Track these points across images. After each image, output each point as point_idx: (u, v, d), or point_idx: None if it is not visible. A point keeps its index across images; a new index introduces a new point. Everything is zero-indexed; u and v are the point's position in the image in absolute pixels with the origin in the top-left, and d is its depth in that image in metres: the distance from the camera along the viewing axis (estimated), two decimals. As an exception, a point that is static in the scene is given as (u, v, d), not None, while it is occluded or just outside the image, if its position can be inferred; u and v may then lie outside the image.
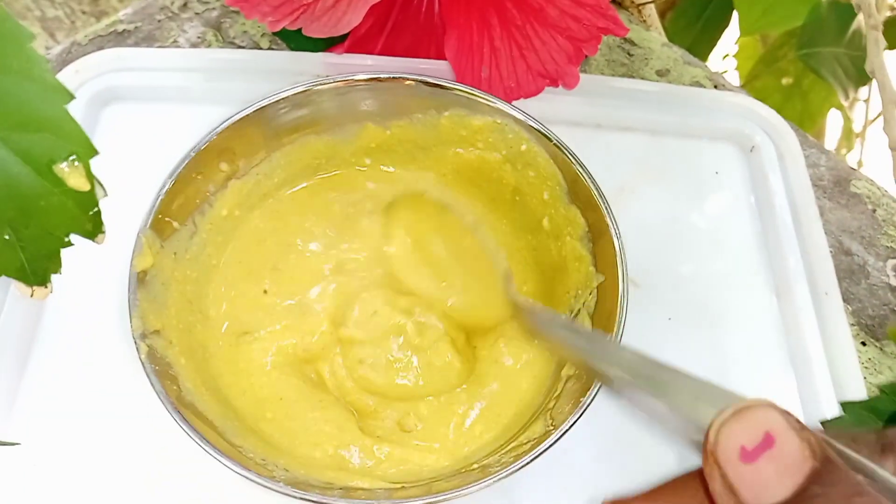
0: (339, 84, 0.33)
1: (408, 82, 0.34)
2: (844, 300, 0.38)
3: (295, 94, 0.33)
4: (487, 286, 0.33)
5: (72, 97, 0.22)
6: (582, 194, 0.33)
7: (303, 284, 0.34)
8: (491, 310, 0.33)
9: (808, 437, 0.17)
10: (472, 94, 0.34)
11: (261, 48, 0.43)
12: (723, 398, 0.19)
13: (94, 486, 0.30)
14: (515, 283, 0.34)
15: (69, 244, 0.24)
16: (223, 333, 0.33)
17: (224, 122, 0.32)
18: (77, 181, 0.22)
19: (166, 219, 0.31)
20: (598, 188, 0.32)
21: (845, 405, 0.33)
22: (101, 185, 0.23)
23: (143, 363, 0.27)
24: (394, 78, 0.34)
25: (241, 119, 0.32)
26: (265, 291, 0.34)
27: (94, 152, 0.22)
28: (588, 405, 0.28)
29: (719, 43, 0.68)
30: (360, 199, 0.36)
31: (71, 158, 0.22)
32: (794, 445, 0.17)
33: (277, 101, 0.33)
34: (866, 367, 0.38)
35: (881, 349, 0.38)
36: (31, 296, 0.26)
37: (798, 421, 0.17)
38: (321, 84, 0.33)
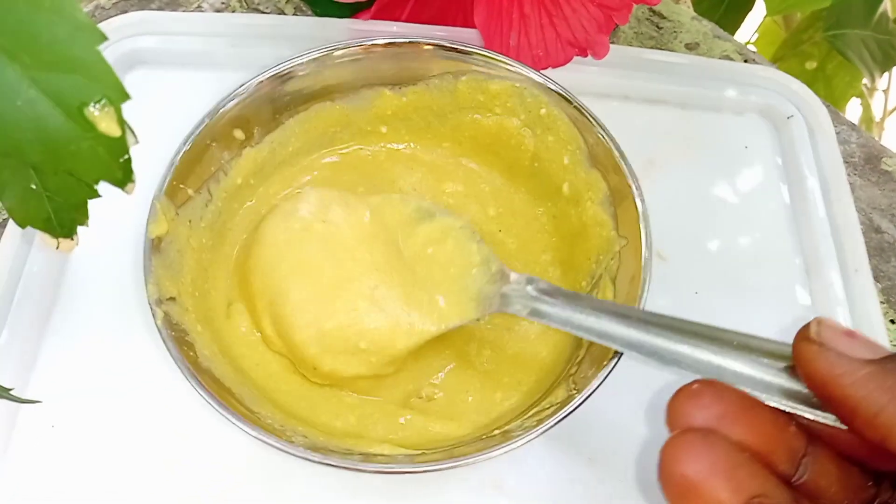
0: (353, 49, 0.33)
1: (425, 46, 0.33)
2: (874, 278, 0.38)
3: (309, 60, 0.33)
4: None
5: (105, 38, 0.21)
6: (603, 157, 0.32)
7: None
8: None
9: None
10: (490, 58, 0.33)
11: (285, 14, 0.43)
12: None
13: (112, 448, 0.30)
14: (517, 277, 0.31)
15: (97, 194, 0.24)
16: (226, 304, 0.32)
17: (237, 88, 0.32)
18: (108, 126, 0.22)
19: (181, 186, 0.31)
20: (620, 150, 0.31)
21: None
22: (133, 131, 0.22)
23: (158, 329, 0.27)
24: (410, 42, 0.33)
25: (254, 86, 0.32)
26: None
27: (127, 97, 0.22)
28: (612, 369, 0.27)
29: (742, 26, 0.67)
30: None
31: (102, 102, 0.21)
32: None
33: (291, 67, 0.33)
34: (895, 346, 0.37)
35: (911, 327, 0.38)
36: (57, 248, 0.26)
37: None
38: (336, 50, 0.33)
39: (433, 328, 0.29)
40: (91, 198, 0.24)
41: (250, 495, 0.29)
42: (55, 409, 0.30)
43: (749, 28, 0.71)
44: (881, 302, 0.38)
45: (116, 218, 0.30)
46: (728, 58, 0.45)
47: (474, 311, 0.30)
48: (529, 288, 0.29)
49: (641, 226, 0.30)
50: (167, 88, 0.39)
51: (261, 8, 0.43)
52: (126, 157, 0.23)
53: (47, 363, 0.31)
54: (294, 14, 0.43)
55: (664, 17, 0.46)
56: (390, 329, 0.29)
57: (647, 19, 0.45)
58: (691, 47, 0.45)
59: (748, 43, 0.76)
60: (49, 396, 0.30)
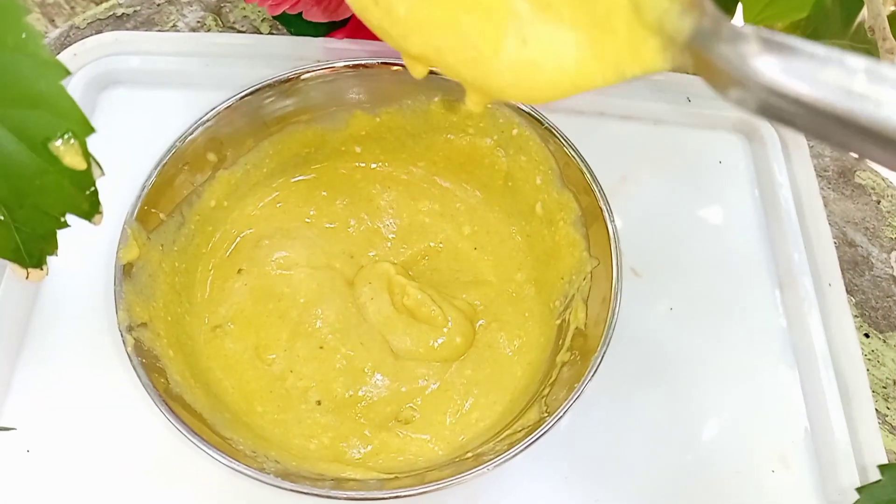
0: (325, 71, 0.33)
1: (395, 68, 0.33)
2: (848, 291, 0.38)
3: (281, 81, 0.33)
4: None
5: (68, 73, 0.21)
6: (574, 178, 0.32)
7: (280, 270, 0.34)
8: None
9: None
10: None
11: (261, 33, 0.43)
12: None
13: (87, 474, 0.30)
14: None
15: (65, 225, 0.24)
16: (206, 325, 0.32)
17: (209, 111, 0.32)
18: (73, 159, 0.22)
19: (152, 210, 0.31)
20: (591, 172, 0.31)
21: (883, 468, 0.31)
22: (98, 164, 0.23)
23: (129, 356, 0.27)
24: (381, 64, 0.33)
25: (226, 108, 0.32)
26: (239, 271, 0.33)
27: (91, 130, 0.22)
28: (581, 391, 0.27)
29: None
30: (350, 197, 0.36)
31: (67, 136, 0.21)
32: None
33: (263, 88, 0.33)
34: (869, 359, 0.37)
35: (884, 341, 0.38)
36: (27, 278, 0.26)
37: None
38: (308, 72, 0.33)
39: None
40: (60, 228, 0.24)
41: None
42: (30, 434, 0.30)
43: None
44: (855, 316, 0.38)
45: (90, 242, 0.30)
46: (702, 73, 0.45)
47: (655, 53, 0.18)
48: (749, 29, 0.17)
49: (612, 248, 0.30)
50: (142, 108, 0.39)
51: (236, 27, 0.43)
52: (92, 189, 0.23)
53: (21, 389, 0.31)
54: (269, 33, 0.43)
55: (639, 33, 0.46)
56: None
57: (623, 35, 0.46)
58: (666, 62, 0.45)
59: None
60: (24, 422, 0.30)
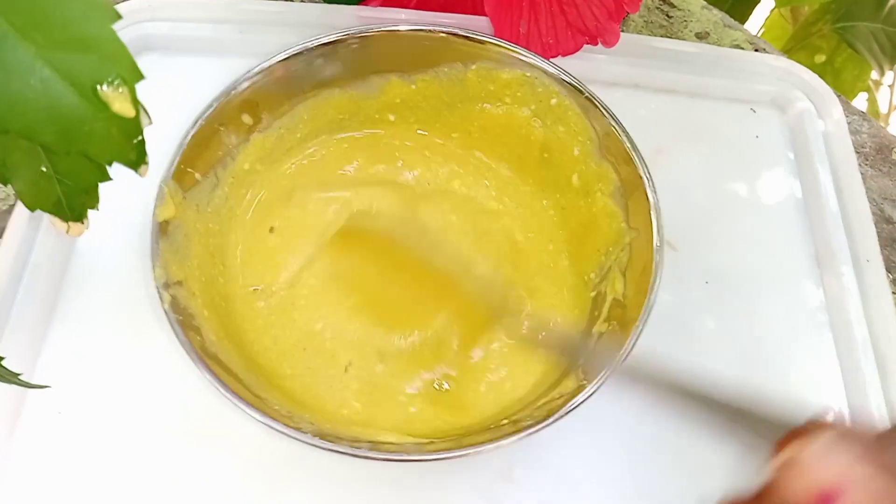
0: (362, 36, 0.33)
1: (435, 34, 0.33)
2: (886, 268, 0.37)
3: (319, 45, 0.32)
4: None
5: (119, 17, 0.21)
6: (614, 148, 0.32)
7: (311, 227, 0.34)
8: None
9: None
10: (501, 47, 0.33)
11: (293, 1, 0.42)
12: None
13: (119, 434, 0.30)
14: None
15: (108, 177, 0.24)
16: (241, 286, 0.32)
17: (247, 72, 0.31)
18: (122, 106, 0.21)
19: (188, 169, 0.30)
20: (631, 141, 0.31)
21: None
22: (147, 112, 0.22)
23: (166, 312, 0.27)
24: (421, 30, 0.33)
25: (263, 70, 0.32)
26: (271, 230, 0.33)
27: (140, 76, 0.21)
28: (622, 360, 0.27)
29: (751, 20, 0.67)
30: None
31: (116, 82, 0.21)
32: None
33: (300, 52, 0.32)
34: (907, 335, 0.37)
35: (923, 318, 0.37)
36: (67, 232, 0.25)
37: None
38: (346, 36, 0.32)
39: None
40: (102, 181, 0.24)
41: (257, 481, 0.29)
42: (62, 395, 0.30)
43: (756, 23, 0.70)
44: (893, 293, 0.37)
45: (123, 203, 0.30)
46: (738, 47, 0.44)
47: None
48: None
49: (653, 217, 0.29)
50: (175, 74, 0.38)
51: (271, -6, 0.43)
52: (140, 138, 0.23)
53: (55, 349, 0.31)
54: (302, 1, 0.42)
55: (674, 6, 0.46)
56: None
57: (658, 8, 0.45)
58: (701, 36, 0.45)
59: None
60: (56, 382, 0.30)
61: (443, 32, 0.33)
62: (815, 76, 0.41)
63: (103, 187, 0.23)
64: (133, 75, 0.21)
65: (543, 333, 0.32)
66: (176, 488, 0.29)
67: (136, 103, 0.22)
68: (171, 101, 0.36)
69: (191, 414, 0.30)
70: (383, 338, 0.32)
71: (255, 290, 0.32)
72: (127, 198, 0.29)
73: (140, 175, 0.23)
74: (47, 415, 0.30)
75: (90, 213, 0.25)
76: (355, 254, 0.34)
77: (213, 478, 0.29)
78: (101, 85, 0.21)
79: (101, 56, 0.21)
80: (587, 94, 0.32)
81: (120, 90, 0.22)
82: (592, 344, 0.30)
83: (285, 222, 0.33)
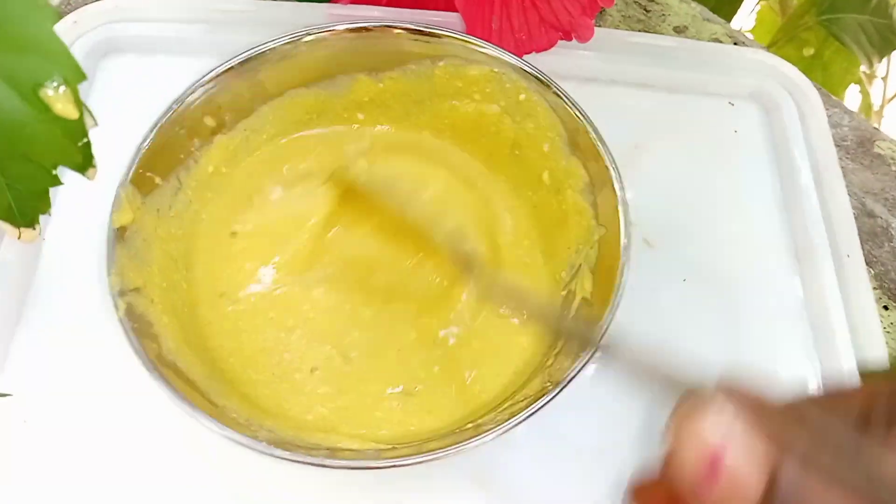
0: (326, 35, 0.32)
1: (397, 31, 0.32)
2: (867, 263, 0.37)
3: (281, 45, 0.32)
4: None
5: (59, 17, 0.20)
6: (583, 144, 0.31)
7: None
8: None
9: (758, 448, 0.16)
10: (468, 42, 0.32)
11: (265, -1, 0.42)
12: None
13: (83, 443, 0.29)
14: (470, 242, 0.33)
15: (58, 181, 0.23)
16: (210, 290, 0.32)
17: (206, 74, 0.31)
18: (64, 107, 0.21)
19: (147, 174, 0.30)
20: (600, 137, 0.30)
21: None
22: (91, 113, 0.22)
23: (120, 320, 0.26)
24: (382, 27, 0.32)
25: (224, 72, 0.31)
26: (234, 234, 0.33)
27: (83, 77, 0.21)
28: (587, 361, 0.26)
29: (740, 12, 0.66)
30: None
31: (58, 83, 0.21)
32: (743, 469, 0.16)
33: (262, 52, 0.32)
34: (888, 332, 0.36)
35: (904, 313, 0.37)
36: (20, 238, 0.25)
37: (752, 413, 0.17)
38: (308, 35, 0.32)
39: None
40: (52, 185, 0.23)
41: (220, 487, 0.29)
42: (27, 404, 0.30)
43: (747, 15, 0.70)
44: (874, 288, 0.37)
45: (88, 207, 0.30)
46: (717, 41, 0.44)
47: None
48: None
49: (620, 213, 0.29)
50: (143, 75, 0.38)
51: (240, -7, 0.42)
52: (85, 140, 0.22)
53: (20, 357, 0.31)
54: (273, -1, 0.42)
55: (652, 0, 0.45)
56: None
57: (635, 2, 0.45)
58: (680, 30, 0.44)
59: (740, 30, 0.75)
60: (21, 391, 0.30)
61: (407, 29, 0.32)
62: (795, 69, 0.40)
63: (71, 193, 0.23)
64: (75, 76, 0.21)
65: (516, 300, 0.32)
66: (141, 496, 0.29)
67: (79, 104, 0.21)
68: (138, 103, 0.36)
69: (156, 422, 0.30)
70: (352, 341, 0.31)
71: (221, 294, 0.31)
72: (92, 203, 0.29)
73: (88, 178, 0.23)
74: (13, 424, 0.30)
75: (51, 219, 0.24)
76: (326, 254, 0.33)
77: (179, 485, 0.29)
78: (43, 86, 0.21)
79: (42, 57, 0.21)
80: (555, 90, 0.31)
81: (62, 91, 0.21)
82: (561, 344, 0.29)
83: (249, 225, 0.33)
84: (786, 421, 0.17)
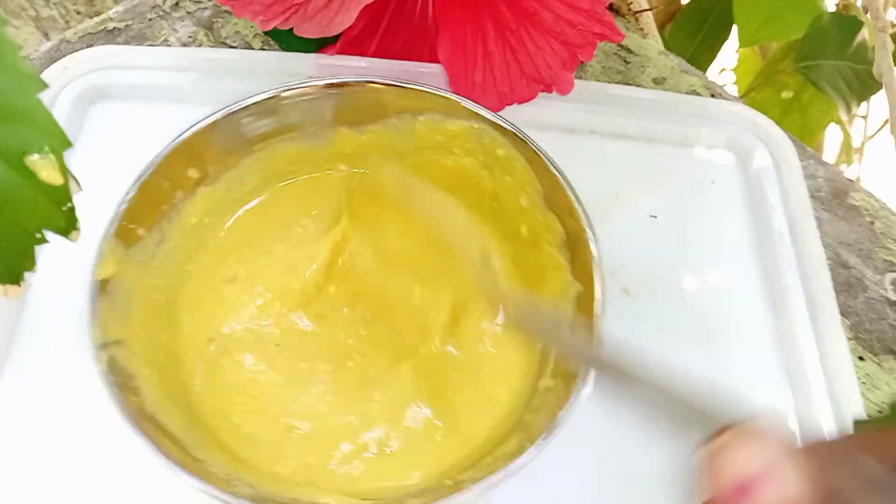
0: (307, 89, 0.33)
1: (377, 86, 0.33)
2: (842, 314, 0.37)
3: (263, 99, 0.32)
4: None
5: (45, 86, 0.21)
6: (559, 200, 0.32)
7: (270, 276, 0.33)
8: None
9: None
10: (448, 98, 0.33)
11: (253, 48, 0.43)
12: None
13: (62, 495, 0.30)
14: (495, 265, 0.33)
15: (43, 241, 0.24)
16: (198, 338, 0.32)
17: (190, 127, 0.31)
18: (50, 174, 0.21)
19: (130, 226, 0.30)
20: (575, 194, 0.31)
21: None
22: (76, 179, 0.22)
23: (101, 374, 0.27)
24: (363, 82, 0.33)
25: (208, 125, 0.32)
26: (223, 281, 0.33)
27: (68, 144, 0.21)
28: (563, 419, 0.26)
29: (719, 56, 0.68)
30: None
31: (44, 150, 0.21)
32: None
33: (245, 106, 0.32)
34: (864, 383, 0.37)
35: (879, 364, 0.37)
36: (6, 294, 0.25)
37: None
38: (290, 89, 0.33)
39: None
40: (38, 244, 0.24)
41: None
42: (5, 457, 0.30)
43: (727, 56, 0.71)
44: (849, 338, 0.37)
45: (74, 258, 0.30)
46: (695, 92, 0.45)
47: None
48: None
49: (595, 273, 0.29)
50: (132, 122, 0.38)
51: (228, 42, 0.43)
52: (69, 205, 0.23)
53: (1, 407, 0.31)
54: (261, 48, 0.43)
55: (631, 52, 0.46)
56: None
57: (615, 54, 0.46)
58: (658, 82, 0.45)
59: (723, 70, 0.76)
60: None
61: (385, 84, 0.33)
62: (770, 121, 0.41)
63: (56, 242, 0.23)
64: (61, 143, 0.21)
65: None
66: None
67: (64, 171, 0.22)
68: (127, 151, 0.36)
69: (133, 474, 0.30)
70: (335, 395, 0.31)
71: (203, 344, 0.32)
72: (79, 253, 0.29)
73: (72, 241, 0.23)
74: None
75: (31, 275, 0.25)
76: (317, 303, 0.34)
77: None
78: (29, 154, 0.21)
79: (29, 126, 0.21)
80: (532, 146, 0.32)
81: (48, 158, 0.22)
82: (538, 401, 0.30)
83: (236, 273, 0.33)
84: (827, 460, 0.18)
